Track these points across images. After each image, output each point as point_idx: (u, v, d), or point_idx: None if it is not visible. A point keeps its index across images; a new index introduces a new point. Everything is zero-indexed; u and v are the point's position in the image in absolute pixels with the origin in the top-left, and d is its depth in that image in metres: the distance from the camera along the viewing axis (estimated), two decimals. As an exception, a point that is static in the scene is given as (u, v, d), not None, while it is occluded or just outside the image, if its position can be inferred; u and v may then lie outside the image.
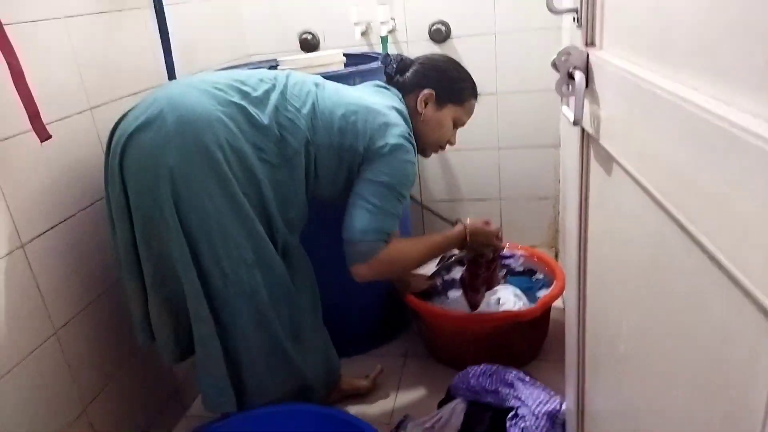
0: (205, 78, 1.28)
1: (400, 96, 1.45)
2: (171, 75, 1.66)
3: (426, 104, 1.46)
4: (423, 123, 1.46)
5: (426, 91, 1.45)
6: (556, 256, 2.24)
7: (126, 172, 1.18)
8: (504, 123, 2.14)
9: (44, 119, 1.15)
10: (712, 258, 0.48)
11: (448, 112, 1.48)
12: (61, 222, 1.27)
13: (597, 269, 0.89)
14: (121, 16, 1.49)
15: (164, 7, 1.62)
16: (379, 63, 1.54)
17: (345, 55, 1.82)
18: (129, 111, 1.25)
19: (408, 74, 1.48)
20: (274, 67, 1.84)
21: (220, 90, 1.23)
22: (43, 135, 1.15)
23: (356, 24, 2.04)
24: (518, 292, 1.75)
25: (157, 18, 1.62)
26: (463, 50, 2.07)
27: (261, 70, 1.37)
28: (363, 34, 2.07)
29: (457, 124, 1.53)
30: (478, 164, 2.21)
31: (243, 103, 1.23)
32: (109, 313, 1.40)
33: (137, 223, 1.20)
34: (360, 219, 1.28)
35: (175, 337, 1.30)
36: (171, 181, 1.15)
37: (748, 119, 0.41)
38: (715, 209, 0.46)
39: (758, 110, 0.41)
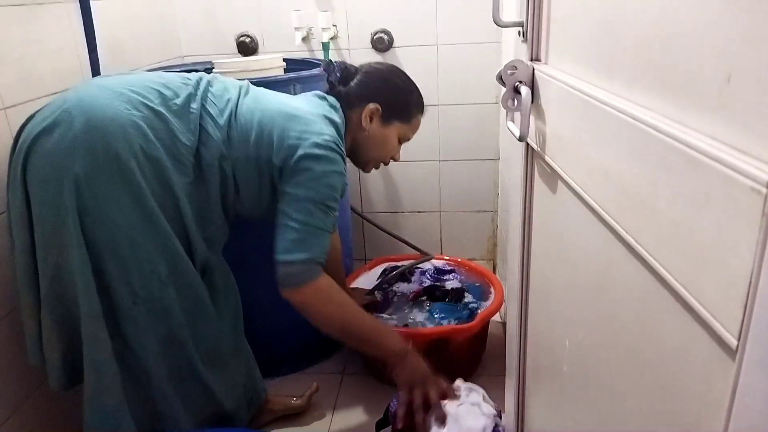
0: (123, 79, 1.18)
1: (338, 106, 1.34)
2: (96, 74, 1.56)
3: (371, 119, 1.37)
4: (367, 138, 1.38)
5: (372, 106, 1.35)
6: (494, 269, 2.25)
7: (29, 178, 1.08)
8: (445, 135, 2.14)
9: (-53, 118, 1.04)
10: (663, 281, 0.47)
11: (394, 129, 1.41)
12: (-35, 231, 1.15)
13: (540, 287, 0.88)
14: (42, 9, 1.38)
15: (90, 1, 1.52)
16: (322, 70, 1.45)
17: (285, 60, 1.77)
18: (37, 112, 1.14)
19: (352, 85, 1.37)
20: (209, 69, 1.76)
21: (136, 93, 1.13)
22: (-55, 135, 1.03)
23: (297, 29, 1.99)
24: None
25: (81, 12, 1.51)
26: (406, 60, 2.06)
27: (188, 73, 1.28)
28: (304, 39, 2.02)
29: (402, 140, 1.45)
30: (419, 176, 2.20)
31: (161, 109, 1.14)
32: (9, 341, 1.27)
33: (38, 233, 1.09)
34: (286, 239, 1.18)
35: (63, 362, 1.18)
36: (76, 189, 1.06)
37: (706, 141, 0.40)
38: (670, 232, 0.45)
39: (714, 131, 0.40)
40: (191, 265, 1.19)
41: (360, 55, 2.06)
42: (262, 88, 1.33)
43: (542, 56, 0.80)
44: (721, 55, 0.39)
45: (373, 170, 1.53)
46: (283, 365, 1.76)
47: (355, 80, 1.38)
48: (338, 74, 1.37)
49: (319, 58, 2.01)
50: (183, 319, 1.19)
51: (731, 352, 0.37)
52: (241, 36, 2.10)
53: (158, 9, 2.00)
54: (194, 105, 1.18)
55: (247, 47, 2.10)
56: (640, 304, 0.52)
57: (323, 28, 1.97)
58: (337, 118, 1.31)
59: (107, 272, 1.10)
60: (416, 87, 1.44)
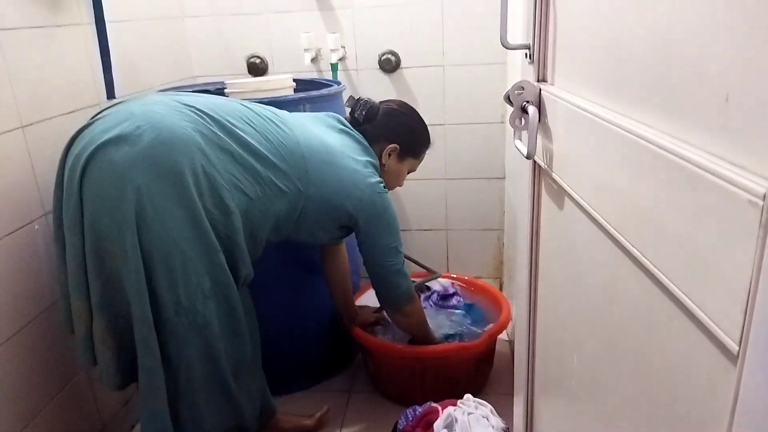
0: (183, 99, 1.24)
1: (366, 144, 1.50)
2: (110, 94, 1.60)
3: (389, 156, 1.54)
4: (385, 172, 1.55)
5: (392, 146, 1.53)
6: (501, 287, 2.26)
7: (87, 184, 1.12)
8: (451, 154, 2.17)
9: (-31, 136, 1.07)
10: (667, 291, 0.48)
11: (407, 164, 1.61)
12: (-17, 247, 1.18)
13: (548, 302, 0.89)
14: (60, 31, 1.43)
15: (105, 23, 1.56)
16: (347, 105, 1.57)
17: (294, 80, 1.81)
18: (92, 122, 1.19)
19: (375, 124, 1.52)
20: (220, 89, 1.80)
21: (200, 116, 1.21)
22: (-32, 153, 1.07)
23: (306, 50, 2.03)
24: None
25: (97, 34, 1.56)
26: (412, 81, 2.10)
27: (233, 102, 1.35)
28: (313, 60, 2.06)
29: (410, 171, 1.65)
30: (426, 194, 2.22)
31: (222, 134, 1.22)
32: (34, 347, 1.30)
33: (90, 238, 1.13)
34: (399, 278, 1.50)
35: (117, 362, 1.22)
36: (137, 199, 1.10)
37: (706, 156, 0.42)
38: (673, 245, 0.46)
39: (714, 148, 0.42)
40: (232, 279, 1.24)
41: (368, 76, 2.10)
42: (315, 131, 1.42)
43: (548, 77, 0.82)
44: (720, 76, 0.41)
45: None
46: (291, 383, 1.77)
47: (378, 119, 1.53)
48: (363, 112, 1.51)
49: (328, 78, 2.05)
50: (219, 332, 1.23)
51: (733, 358, 0.38)
52: (252, 57, 2.14)
53: (171, 31, 2.05)
54: (257, 135, 1.27)
55: (257, 68, 2.14)
56: (645, 316, 0.54)
57: (332, 50, 2.01)
58: (374, 160, 1.49)
59: (157, 281, 1.14)
60: (426, 126, 1.63)
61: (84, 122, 1.21)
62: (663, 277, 0.48)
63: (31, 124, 1.31)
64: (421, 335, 1.64)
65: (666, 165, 0.47)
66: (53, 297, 1.35)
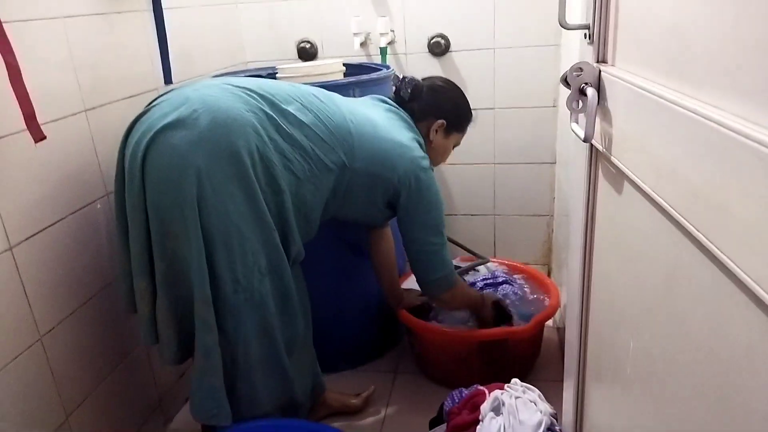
0: (233, 82, 1.28)
1: (413, 122, 1.52)
2: (167, 79, 1.64)
3: (436, 132, 1.56)
4: (431, 149, 1.57)
5: (439, 122, 1.55)
6: (549, 273, 2.23)
7: (149, 168, 1.16)
8: (500, 138, 2.14)
9: (39, 120, 1.13)
10: (735, 279, 0.47)
11: (453, 140, 1.62)
12: (51, 225, 1.23)
13: (602, 288, 0.88)
14: (120, 18, 1.47)
15: (163, 11, 1.60)
16: (392, 84, 1.59)
17: (344, 65, 1.81)
18: (149, 109, 1.23)
19: (421, 101, 1.54)
20: (272, 74, 1.82)
21: (252, 97, 1.24)
22: (38, 135, 1.12)
23: (355, 34, 2.03)
24: None
25: (155, 21, 1.60)
26: (462, 64, 2.08)
27: (282, 83, 1.38)
28: (362, 44, 2.07)
29: (455, 146, 1.66)
30: (474, 179, 2.21)
31: (272, 113, 1.25)
32: (96, 320, 1.37)
33: (154, 220, 1.17)
34: (438, 260, 1.49)
35: (177, 340, 1.27)
36: (198, 181, 1.14)
37: (782, 138, 0.40)
38: (743, 230, 0.45)
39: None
40: (286, 258, 1.27)
41: (417, 59, 2.09)
42: (361, 107, 1.46)
43: (609, 58, 0.80)
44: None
45: None
46: (339, 362, 1.80)
47: (424, 97, 1.55)
48: (409, 90, 1.53)
49: (377, 62, 2.05)
50: (274, 309, 1.27)
51: (808, 346, 0.37)
52: (302, 42, 2.16)
53: (224, 18, 2.09)
54: (306, 113, 1.30)
55: (306, 53, 2.16)
56: (710, 303, 0.52)
57: (381, 33, 2.00)
58: (422, 139, 1.51)
59: (216, 261, 1.18)
60: (467, 100, 1.63)
61: (141, 109, 1.26)
62: (730, 263, 0.47)
63: (93, 108, 1.37)
64: (464, 309, 1.68)
65: (735, 147, 0.45)
66: (114, 273, 1.41)
